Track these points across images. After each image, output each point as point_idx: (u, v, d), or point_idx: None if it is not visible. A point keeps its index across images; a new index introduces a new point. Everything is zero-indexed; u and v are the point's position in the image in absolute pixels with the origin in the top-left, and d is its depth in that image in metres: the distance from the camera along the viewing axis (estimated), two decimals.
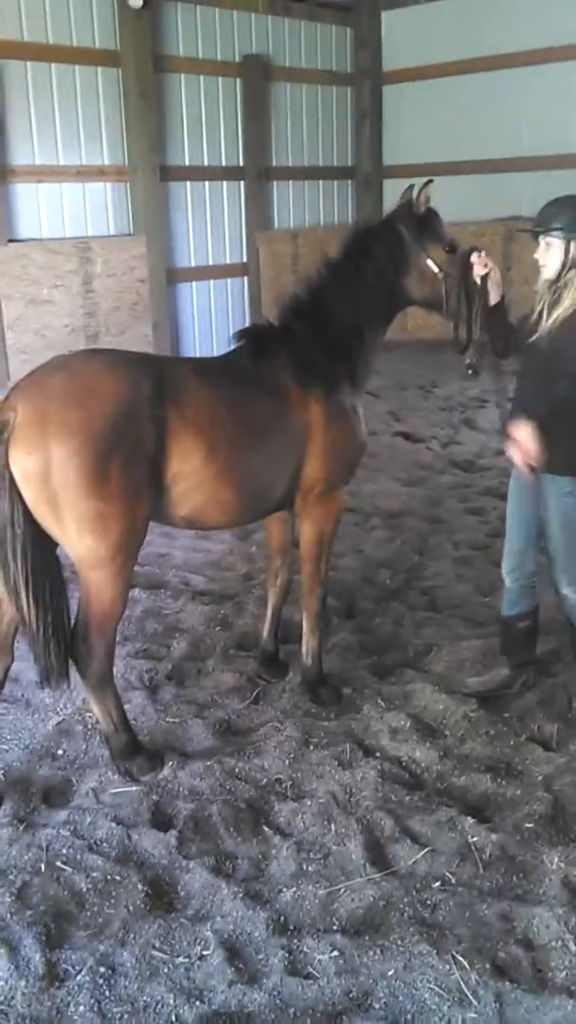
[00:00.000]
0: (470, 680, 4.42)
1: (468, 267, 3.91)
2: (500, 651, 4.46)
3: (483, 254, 3.93)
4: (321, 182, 13.84)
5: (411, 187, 4.01)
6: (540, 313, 3.89)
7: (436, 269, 3.96)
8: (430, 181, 3.95)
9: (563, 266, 3.76)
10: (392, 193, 13.87)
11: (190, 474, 3.57)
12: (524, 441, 3.64)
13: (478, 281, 3.92)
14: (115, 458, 3.32)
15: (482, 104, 12.85)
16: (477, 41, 12.64)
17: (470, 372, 4.21)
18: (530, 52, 12.19)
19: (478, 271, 3.91)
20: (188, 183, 12.09)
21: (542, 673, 4.48)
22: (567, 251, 3.74)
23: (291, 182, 13.42)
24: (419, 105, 13.63)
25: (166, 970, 2.84)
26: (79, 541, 3.39)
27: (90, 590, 3.52)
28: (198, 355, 12.08)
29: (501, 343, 4.07)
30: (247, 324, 11.48)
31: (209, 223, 12.46)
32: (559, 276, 3.78)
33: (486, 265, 3.91)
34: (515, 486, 4.16)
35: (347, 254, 4.00)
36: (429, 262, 3.96)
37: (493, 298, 3.96)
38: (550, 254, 3.80)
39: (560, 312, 3.78)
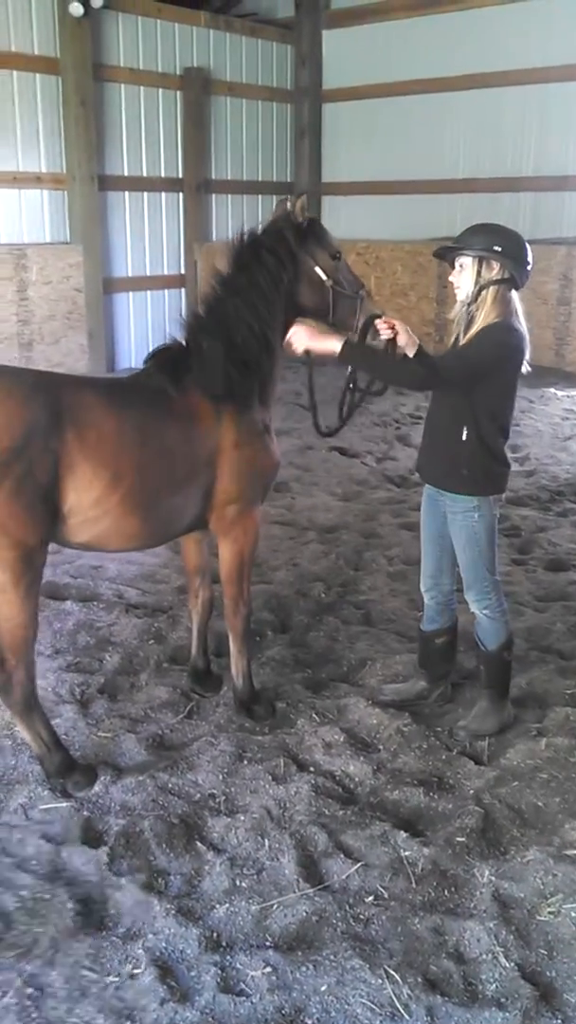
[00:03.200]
0: (387, 687, 4.48)
1: (370, 329, 3.82)
2: (418, 664, 4.53)
3: (384, 318, 3.81)
4: (260, 196, 13.93)
5: (286, 198, 3.94)
6: (456, 337, 3.91)
7: (324, 276, 3.87)
8: (303, 194, 3.90)
9: (476, 286, 3.76)
10: (331, 210, 14.07)
11: (89, 507, 3.49)
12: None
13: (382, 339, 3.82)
14: (1, 488, 3.26)
15: (420, 125, 13.04)
16: (416, 63, 12.85)
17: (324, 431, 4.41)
18: (468, 76, 12.42)
19: (384, 334, 3.78)
20: (127, 193, 12.09)
21: (472, 688, 4.54)
22: (479, 272, 3.75)
23: (230, 195, 13.49)
24: (358, 124, 13.79)
25: (96, 990, 2.79)
26: None
27: None
28: (133, 365, 12.04)
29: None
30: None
31: (147, 233, 12.45)
32: (473, 298, 3.79)
33: (392, 328, 3.76)
34: (426, 507, 4.22)
35: (238, 265, 3.85)
36: (317, 269, 3.87)
37: (410, 352, 3.78)
38: (463, 276, 3.81)
39: (473, 331, 3.79)
